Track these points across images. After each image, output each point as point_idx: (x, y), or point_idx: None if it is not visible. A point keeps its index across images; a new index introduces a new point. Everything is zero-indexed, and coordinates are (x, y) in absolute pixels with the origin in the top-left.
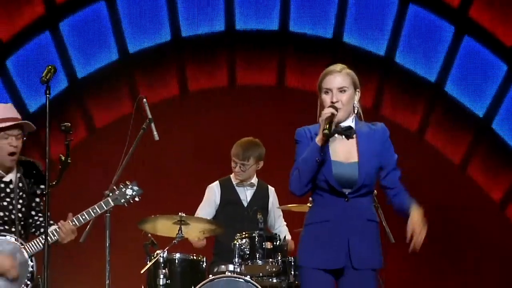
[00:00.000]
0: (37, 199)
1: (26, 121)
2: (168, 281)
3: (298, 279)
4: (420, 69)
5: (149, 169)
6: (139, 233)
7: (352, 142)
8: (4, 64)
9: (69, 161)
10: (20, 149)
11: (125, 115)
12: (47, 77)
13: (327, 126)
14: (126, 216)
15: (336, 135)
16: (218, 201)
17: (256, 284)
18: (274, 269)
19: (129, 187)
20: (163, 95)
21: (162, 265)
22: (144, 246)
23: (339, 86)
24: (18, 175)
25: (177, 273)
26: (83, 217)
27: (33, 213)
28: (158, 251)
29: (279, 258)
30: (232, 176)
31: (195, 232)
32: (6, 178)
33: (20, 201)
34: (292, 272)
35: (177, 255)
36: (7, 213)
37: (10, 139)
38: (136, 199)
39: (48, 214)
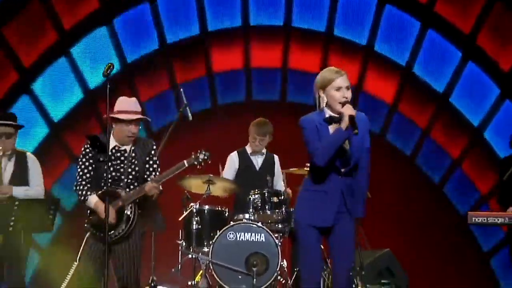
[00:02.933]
0: (147, 165)
1: (144, 117)
2: (199, 226)
3: None
4: (394, 55)
5: (185, 140)
6: (178, 190)
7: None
8: (69, 51)
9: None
10: (138, 132)
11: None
12: (107, 72)
13: (356, 125)
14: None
15: (333, 124)
16: (236, 166)
17: (266, 229)
18: (279, 217)
19: (202, 152)
20: (194, 76)
21: (195, 214)
22: (181, 200)
23: (347, 85)
24: (133, 148)
25: (206, 220)
26: (165, 176)
27: (144, 176)
28: (192, 204)
29: (283, 209)
30: (247, 147)
31: (219, 190)
32: (122, 148)
33: (132, 166)
34: (293, 220)
35: (206, 207)
36: (118, 174)
37: (130, 126)
38: (208, 161)
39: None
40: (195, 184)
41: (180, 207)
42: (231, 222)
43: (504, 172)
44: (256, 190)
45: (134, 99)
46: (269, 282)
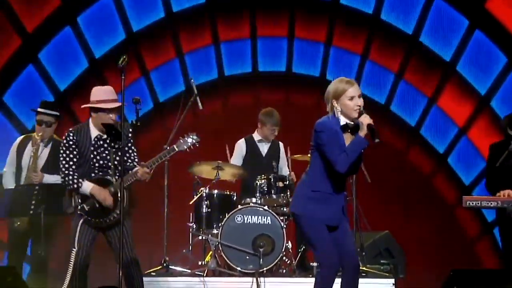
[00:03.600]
0: (126, 148)
1: (122, 104)
2: (209, 210)
3: None
4: (401, 24)
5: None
6: (188, 175)
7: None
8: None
9: (138, 124)
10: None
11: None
12: (122, 64)
13: (377, 133)
14: (179, 163)
15: (349, 132)
16: (244, 153)
17: (272, 212)
18: (284, 201)
19: (190, 136)
20: (200, 45)
21: (205, 198)
22: (193, 185)
23: (359, 93)
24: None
25: (215, 204)
26: (155, 161)
27: (125, 158)
28: (202, 188)
29: (288, 193)
30: (254, 134)
31: (228, 175)
32: (103, 136)
33: (116, 152)
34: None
35: (215, 191)
36: (105, 162)
37: (111, 115)
38: (196, 145)
39: (132, 159)
40: (205, 170)
41: (191, 191)
42: (239, 205)
43: (493, 156)
44: (263, 175)
45: (110, 87)
46: (274, 262)
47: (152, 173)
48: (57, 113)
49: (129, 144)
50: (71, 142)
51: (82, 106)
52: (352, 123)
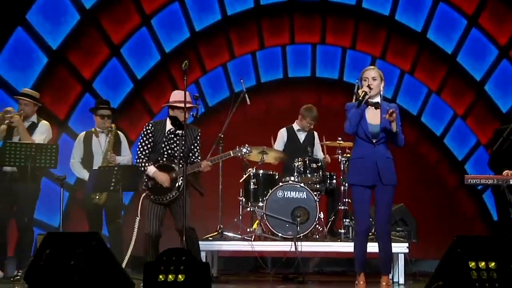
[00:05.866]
0: (192, 147)
1: (195, 106)
2: (255, 186)
3: (332, 185)
4: (412, 24)
5: (246, 123)
6: (239, 159)
7: (378, 111)
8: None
9: (198, 116)
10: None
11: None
12: (185, 68)
13: (362, 94)
14: (233, 149)
15: (369, 106)
16: (285, 139)
17: (307, 188)
18: (317, 179)
19: (245, 147)
20: (250, 49)
21: (252, 177)
22: (242, 166)
23: (372, 76)
24: (183, 132)
25: (261, 182)
26: (216, 159)
27: (189, 154)
28: (249, 169)
29: (320, 173)
30: (294, 124)
31: (271, 158)
32: (176, 131)
33: (183, 146)
34: (328, 181)
35: (261, 171)
36: (172, 152)
37: (182, 113)
38: (249, 154)
39: (198, 151)
40: (253, 154)
41: (241, 172)
42: (280, 183)
43: (496, 141)
44: (300, 158)
45: (186, 92)
46: (309, 229)
47: (212, 166)
48: (114, 108)
49: (195, 144)
50: (148, 131)
51: (163, 105)
52: (374, 101)
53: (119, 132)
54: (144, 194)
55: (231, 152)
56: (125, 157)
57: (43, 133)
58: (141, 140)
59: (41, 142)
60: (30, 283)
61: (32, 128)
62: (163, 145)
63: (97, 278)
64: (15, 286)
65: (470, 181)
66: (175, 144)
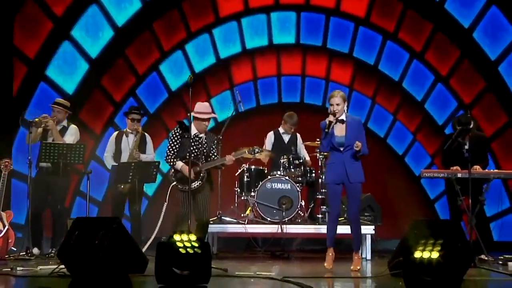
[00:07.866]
0: (211, 148)
1: (214, 115)
2: (249, 179)
3: (312, 178)
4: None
5: (242, 124)
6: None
7: (343, 126)
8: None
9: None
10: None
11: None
12: (189, 84)
13: (329, 127)
14: (229, 148)
15: (337, 123)
16: (272, 140)
17: (291, 180)
18: (299, 173)
19: (256, 148)
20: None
21: (245, 171)
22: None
23: (337, 103)
24: (205, 136)
25: (252, 175)
26: (236, 155)
27: (210, 154)
28: (243, 164)
29: (302, 168)
30: (279, 128)
31: (261, 156)
32: (199, 135)
33: (205, 147)
34: (308, 175)
35: (253, 167)
36: (197, 151)
37: (205, 122)
38: (257, 155)
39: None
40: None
41: (237, 166)
42: (269, 176)
43: (446, 142)
44: (285, 155)
45: (207, 103)
46: (293, 215)
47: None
48: (142, 112)
49: (213, 146)
50: (177, 134)
51: (188, 114)
52: (340, 118)
53: (146, 134)
54: (172, 184)
55: (246, 150)
56: (149, 155)
57: (72, 135)
58: (170, 141)
59: (70, 143)
60: (62, 259)
61: (63, 131)
62: (189, 146)
63: (117, 255)
64: (50, 262)
65: (426, 174)
66: (199, 146)
